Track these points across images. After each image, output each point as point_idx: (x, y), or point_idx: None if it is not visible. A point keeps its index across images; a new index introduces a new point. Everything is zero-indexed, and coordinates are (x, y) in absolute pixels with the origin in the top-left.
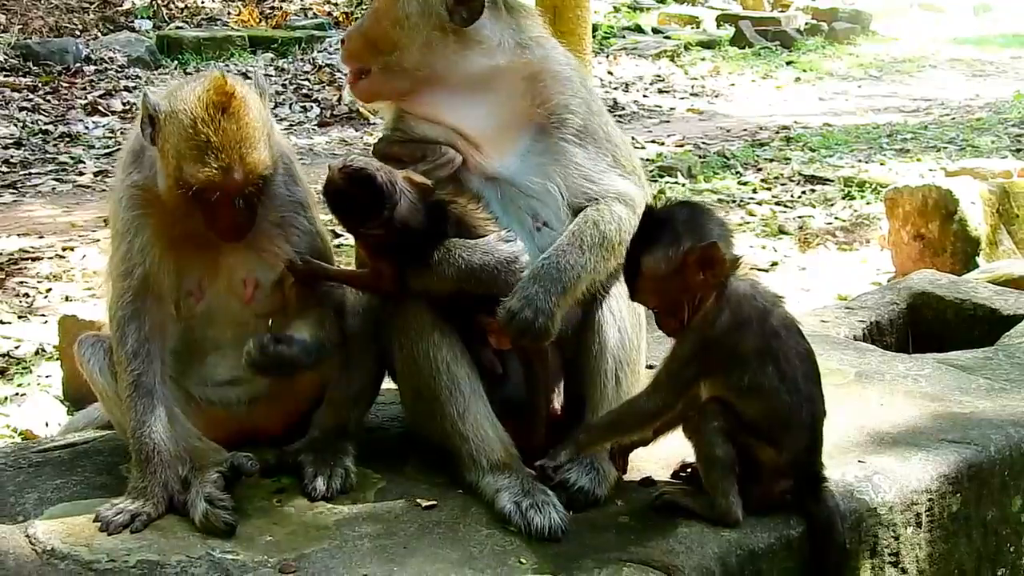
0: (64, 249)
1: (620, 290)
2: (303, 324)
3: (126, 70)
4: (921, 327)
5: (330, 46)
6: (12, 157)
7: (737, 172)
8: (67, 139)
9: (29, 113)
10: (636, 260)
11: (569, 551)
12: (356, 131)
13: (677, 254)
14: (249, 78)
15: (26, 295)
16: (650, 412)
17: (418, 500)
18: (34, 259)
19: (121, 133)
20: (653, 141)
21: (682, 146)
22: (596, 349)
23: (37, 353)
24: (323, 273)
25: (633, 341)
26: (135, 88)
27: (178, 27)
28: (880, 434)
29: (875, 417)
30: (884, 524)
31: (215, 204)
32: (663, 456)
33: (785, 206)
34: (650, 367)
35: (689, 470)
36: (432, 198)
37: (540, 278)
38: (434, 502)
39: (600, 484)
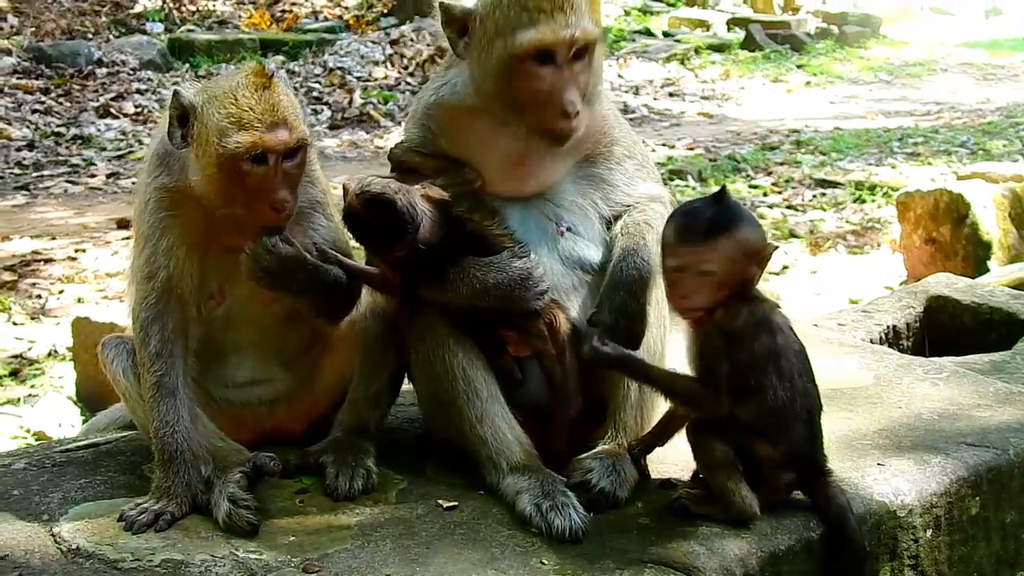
0: (76, 251)
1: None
2: None
3: (138, 73)
4: (938, 331)
5: (340, 49)
6: (25, 159)
7: (748, 176)
8: (79, 141)
9: (41, 115)
10: (723, 227)
11: (590, 552)
12: (367, 134)
13: (763, 243)
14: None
15: (38, 296)
16: (694, 394)
17: (439, 501)
18: (46, 261)
19: (133, 135)
20: (664, 144)
21: (693, 150)
22: None
23: (50, 355)
24: (339, 264)
25: (657, 344)
26: (147, 91)
27: (189, 30)
28: (899, 437)
29: (893, 420)
30: (903, 527)
31: (259, 180)
32: (683, 459)
33: (796, 210)
34: None
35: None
36: (450, 212)
37: (622, 283)
38: (455, 503)
39: (621, 486)
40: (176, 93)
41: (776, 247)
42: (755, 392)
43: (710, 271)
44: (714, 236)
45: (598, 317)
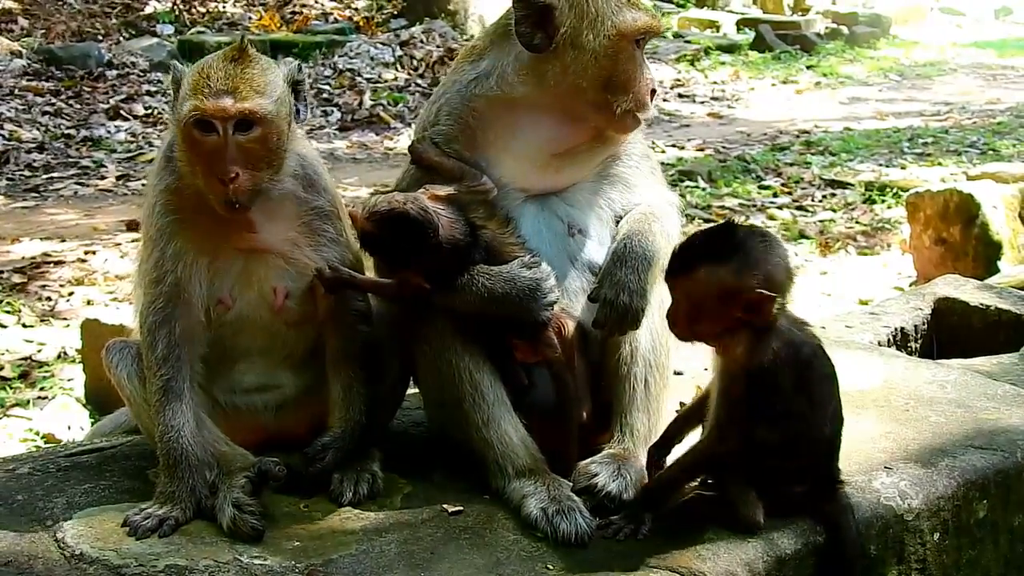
0: (86, 253)
1: (653, 293)
2: None
3: (148, 75)
4: (946, 332)
5: (351, 51)
6: (35, 161)
7: (757, 177)
8: (89, 143)
9: (52, 117)
10: (694, 261)
11: (596, 557)
12: (376, 135)
13: (736, 283)
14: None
15: (48, 299)
16: (722, 454)
17: (444, 505)
18: (56, 263)
19: (143, 137)
20: (673, 146)
21: (702, 151)
22: (627, 352)
23: (59, 357)
24: (350, 282)
25: (664, 345)
26: (157, 93)
27: (199, 32)
28: (906, 441)
29: (901, 424)
30: (911, 531)
31: (211, 151)
32: None
33: (806, 211)
34: (678, 373)
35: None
36: (462, 206)
37: (624, 259)
38: (460, 508)
39: (627, 489)
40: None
41: (765, 295)
42: (783, 419)
43: (680, 303)
44: (682, 272)
45: (598, 292)
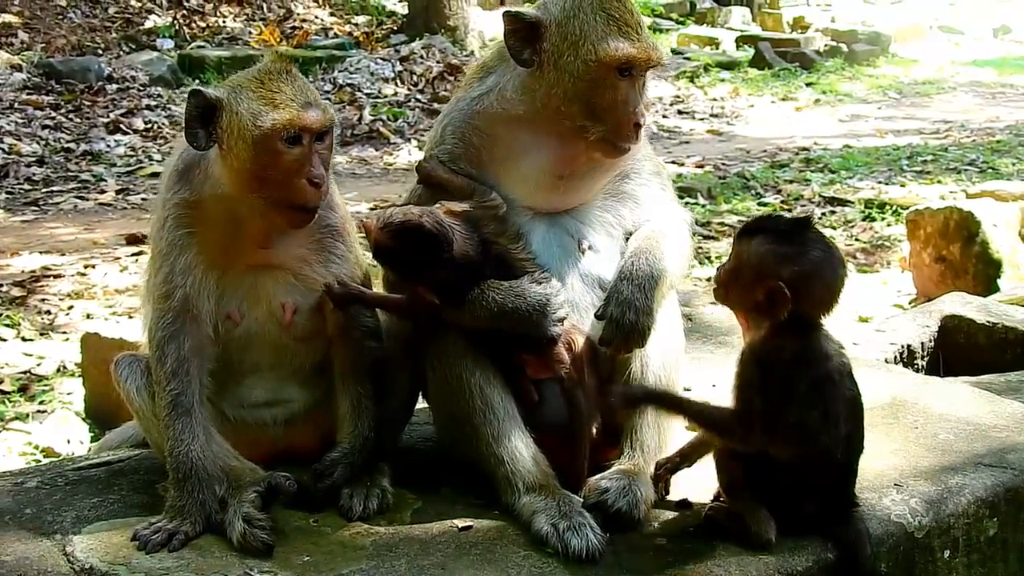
0: (86, 267)
1: (661, 310)
2: None
3: (148, 89)
4: (952, 350)
5: (351, 66)
6: (34, 175)
7: (757, 193)
8: (89, 157)
9: (51, 131)
10: (761, 230)
11: (607, 573)
12: (376, 151)
13: (767, 268)
14: None
15: (48, 312)
16: (727, 424)
17: (454, 521)
18: (56, 277)
19: (143, 151)
20: (673, 162)
21: (702, 167)
22: (638, 367)
23: (59, 371)
24: (360, 297)
25: (674, 362)
26: (157, 107)
27: (199, 46)
28: (916, 458)
29: (910, 441)
30: (921, 548)
31: (294, 161)
32: (700, 478)
33: None
34: (687, 390)
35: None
36: (476, 222)
37: (631, 277)
38: (470, 523)
39: (637, 506)
40: (197, 92)
41: (783, 291)
42: (798, 430)
43: (732, 261)
44: (747, 234)
45: (604, 310)
